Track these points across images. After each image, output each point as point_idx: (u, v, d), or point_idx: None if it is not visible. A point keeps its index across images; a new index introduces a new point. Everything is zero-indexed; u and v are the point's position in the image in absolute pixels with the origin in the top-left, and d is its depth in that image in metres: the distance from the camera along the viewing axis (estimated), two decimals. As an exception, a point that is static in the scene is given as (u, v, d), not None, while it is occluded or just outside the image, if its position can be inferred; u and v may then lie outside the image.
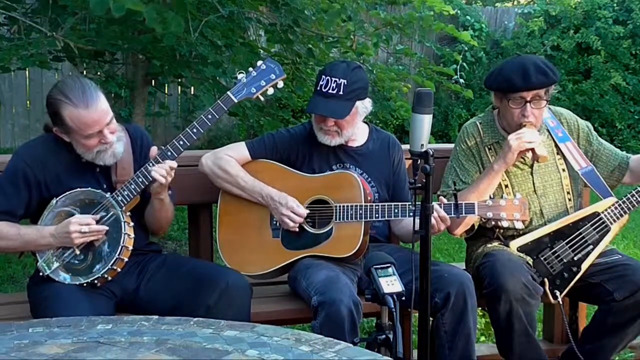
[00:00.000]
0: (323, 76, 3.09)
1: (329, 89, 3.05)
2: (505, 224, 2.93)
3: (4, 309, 3.04)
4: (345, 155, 3.20)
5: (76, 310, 2.50)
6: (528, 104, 3.11)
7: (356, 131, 3.21)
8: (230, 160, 3.12)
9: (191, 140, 2.85)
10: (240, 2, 4.85)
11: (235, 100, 2.91)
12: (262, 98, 2.98)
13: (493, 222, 2.97)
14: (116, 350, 1.93)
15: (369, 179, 3.21)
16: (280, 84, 2.98)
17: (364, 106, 3.15)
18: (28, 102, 9.04)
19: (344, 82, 3.05)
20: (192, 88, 7.78)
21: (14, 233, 2.79)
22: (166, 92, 8.21)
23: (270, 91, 2.96)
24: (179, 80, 5.70)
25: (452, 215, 2.92)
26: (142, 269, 2.92)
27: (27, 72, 8.54)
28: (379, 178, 3.22)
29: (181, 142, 2.84)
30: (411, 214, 2.76)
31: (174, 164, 2.81)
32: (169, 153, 2.82)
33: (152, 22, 3.71)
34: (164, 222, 3.00)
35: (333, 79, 3.06)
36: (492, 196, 3.03)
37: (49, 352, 1.92)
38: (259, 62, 2.97)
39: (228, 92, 2.92)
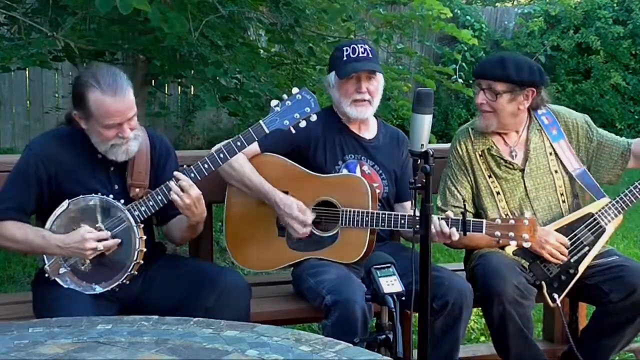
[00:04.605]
0: (345, 47, 3.14)
1: (358, 54, 3.10)
2: (513, 243, 2.90)
3: (4, 309, 3.04)
4: (358, 146, 3.20)
5: (82, 314, 2.48)
6: (482, 91, 3.15)
7: (370, 120, 3.23)
8: (239, 156, 3.00)
9: (216, 166, 2.78)
10: (240, 2, 4.85)
11: (267, 131, 2.79)
12: (293, 131, 2.83)
13: (501, 242, 2.94)
14: (116, 350, 1.93)
15: (380, 172, 3.21)
16: (314, 118, 2.82)
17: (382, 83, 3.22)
18: (28, 102, 9.05)
19: (369, 48, 3.15)
20: (192, 88, 7.80)
21: (22, 237, 2.75)
22: (166, 92, 8.22)
23: (303, 124, 2.82)
24: (179, 80, 5.70)
25: (459, 231, 2.88)
26: (145, 273, 2.88)
27: (27, 72, 8.54)
28: (389, 171, 3.23)
29: (206, 166, 2.76)
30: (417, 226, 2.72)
31: (198, 192, 2.74)
32: (192, 175, 2.75)
33: (157, 22, 3.71)
34: (187, 239, 3.03)
35: (358, 45, 3.13)
36: (500, 215, 3.03)
37: (49, 352, 1.92)
38: (295, 90, 2.83)
39: (260, 122, 2.80)
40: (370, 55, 3.13)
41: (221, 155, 2.78)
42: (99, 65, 2.88)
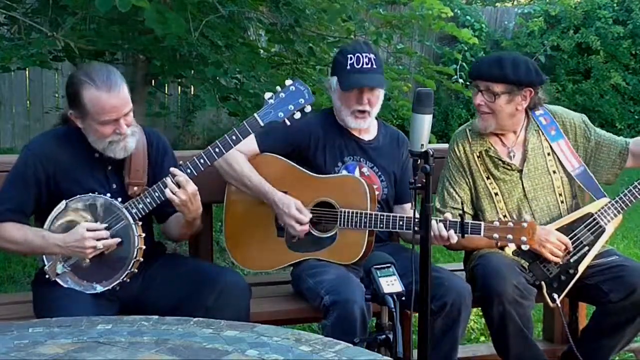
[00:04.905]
0: (350, 55, 3.08)
1: (362, 64, 3.06)
2: (512, 246, 2.89)
3: (4, 309, 3.03)
4: (358, 148, 3.19)
5: (82, 314, 2.49)
6: (480, 93, 3.14)
7: (369, 123, 3.21)
8: (238, 155, 3.05)
9: (212, 160, 2.77)
10: (240, 2, 4.85)
11: (262, 124, 2.78)
12: (288, 123, 2.81)
13: (500, 244, 2.94)
14: (116, 350, 1.93)
15: (380, 173, 3.20)
16: (308, 109, 2.81)
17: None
18: (28, 102, 9.04)
19: (374, 57, 3.10)
20: (192, 88, 7.80)
21: (21, 238, 2.76)
22: (166, 92, 8.21)
23: (297, 115, 2.81)
24: (179, 80, 5.70)
25: (457, 233, 2.87)
26: (145, 273, 2.89)
27: (27, 72, 8.53)
28: (389, 173, 3.22)
29: (202, 161, 2.75)
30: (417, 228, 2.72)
31: (194, 188, 2.73)
32: (189, 171, 2.74)
33: (152, 22, 3.71)
34: (185, 238, 3.03)
35: (363, 54, 3.08)
36: (499, 217, 3.02)
37: (49, 352, 1.92)
38: (288, 82, 2.82)
39: (255, 115, 2.79)
40: (374, 66, 3.09)
41: (217, 150, 2.77)
42: (92, 63, 2.88)
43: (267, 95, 2.81)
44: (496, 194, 3.19)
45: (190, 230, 2.93)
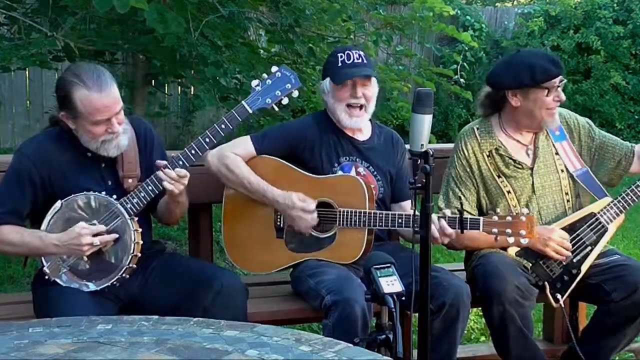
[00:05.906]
0: (340, 54, 3.13)
1: (353, 60, 3.10)
2: (511, 240, 2.90)
3: (4, 309, 3.04)
4: (353, 148, 3.20)
5: (82, 313, 2.49)
6: (559, 88, 3.14)
7: (365, 121, 3.22)
8: (236, 159, 3.07)
9: (203, 150, 2.79)
10: (240, 2, 4.85)
11: (250, 111, 2.81)
12: (276, 109, 2.86)
13: (499, 239, 2.95)
14: (116, 350, 1.93)
15: (375, 173, 3.20)
16: (296, 94, 2.86)
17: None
18: (28, 102, 9.04)
19: (363, 54, 3.16)
20: (192, 88, 7.80)
21: (19, 240, 2.76)
22: (166, 92, 8.21)
23: (285, 101, 2.85)
24: (179, 80, 5.70)
25: (456, 229, 2.87)
26: (144, 271, 2.89)
27: (27, 72, 8.54)
28: (385, 172, 3.22)
29: (193, 152, 2.77)
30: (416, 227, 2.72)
31: (186, 173, 2.76)
32: (180, 162, 2.76)
33: (153, 22, 3.71)
34: (179, 216, 3.01)
35: (353, 51, 3.14)
36: (498, 212, 3.03)
37: (49, 352, 1.92)
38: (274, 69, 2.85)
39: (243, 102, 2.82)
40: (365, 61, 3.13)
41: (207, 140, 2.79)
42: (80, 64, 2.89)
43: (254, 82, 2.85)
44: (509, 192, 3.19)
45: (180, 209, 2.93)
